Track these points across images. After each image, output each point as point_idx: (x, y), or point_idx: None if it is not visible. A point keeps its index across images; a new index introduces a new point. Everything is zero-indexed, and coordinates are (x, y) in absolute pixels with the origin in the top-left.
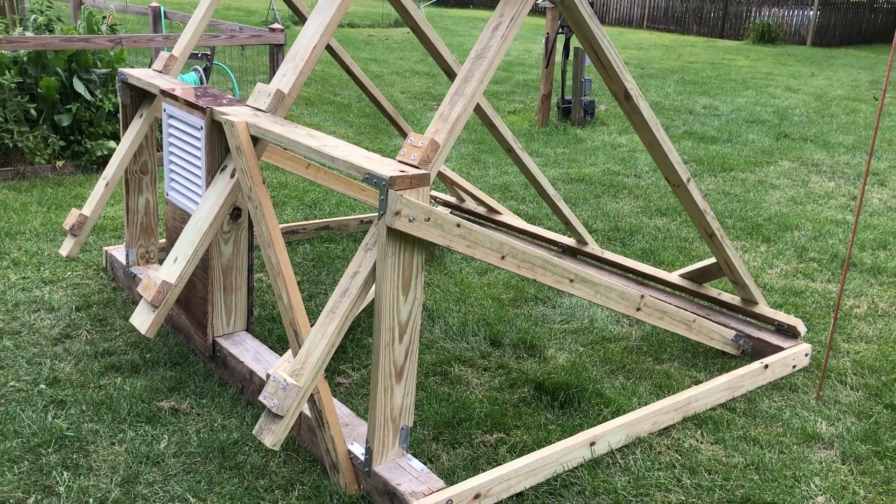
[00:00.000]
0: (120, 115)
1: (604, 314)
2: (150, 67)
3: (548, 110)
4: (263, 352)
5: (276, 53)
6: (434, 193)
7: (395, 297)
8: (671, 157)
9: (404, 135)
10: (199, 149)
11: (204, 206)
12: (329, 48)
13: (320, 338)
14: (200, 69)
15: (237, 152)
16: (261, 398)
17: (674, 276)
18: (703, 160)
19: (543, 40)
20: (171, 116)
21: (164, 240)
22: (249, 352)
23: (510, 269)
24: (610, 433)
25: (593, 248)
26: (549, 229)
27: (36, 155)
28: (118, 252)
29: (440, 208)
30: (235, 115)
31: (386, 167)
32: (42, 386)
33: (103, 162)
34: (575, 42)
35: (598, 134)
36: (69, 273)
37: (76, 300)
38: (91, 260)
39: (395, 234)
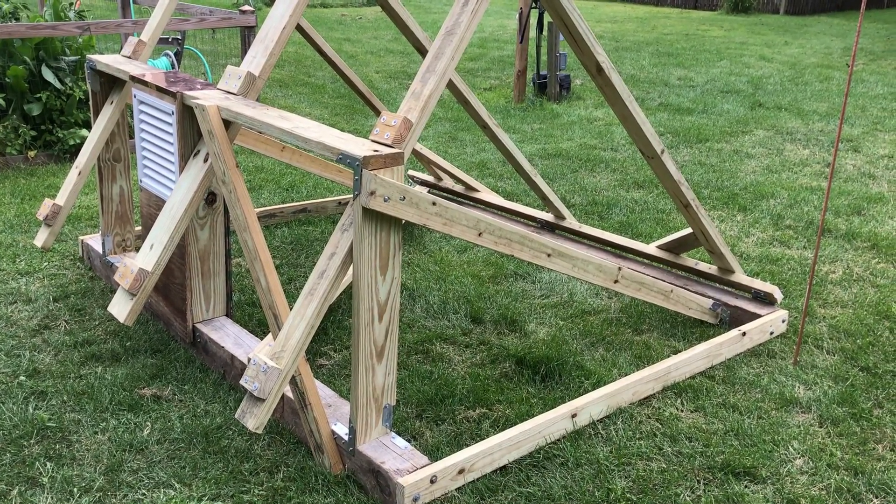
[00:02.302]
0: (90, 103)
1: (583, 288)
2: (119, 53)
3: (523, 86)
4: (244, 336)
5: (248, 35)
6: (412, 172)
7: (373, 277)
8: (644, 129)
9: (379, 115)
10: (171, 134)
11: (178, 191)
12: (300, 29)
13: (299, 320)
14: (172, 54)
15: (209, 137)
16: (242, 382)
17: (651, 248)
18: (678, 131)
19: (517, 15)
20: (141, 102)
21: (139, 227)
22: (230, 337)
23: (487, 246)
24: (591, 404)
25: (571, 222)
26: (526, 205)
27: (6, 146)
28: (94, 241)
29: (417, 187)
30: (206, 100)
31: (359, 147)
32: (22, 378)
33: (76, 151)
34: (549, 17)
35: (575, 108)
36: (45, 264)
37: (53, 291)
38: (67, 250)
39: (370, 214)
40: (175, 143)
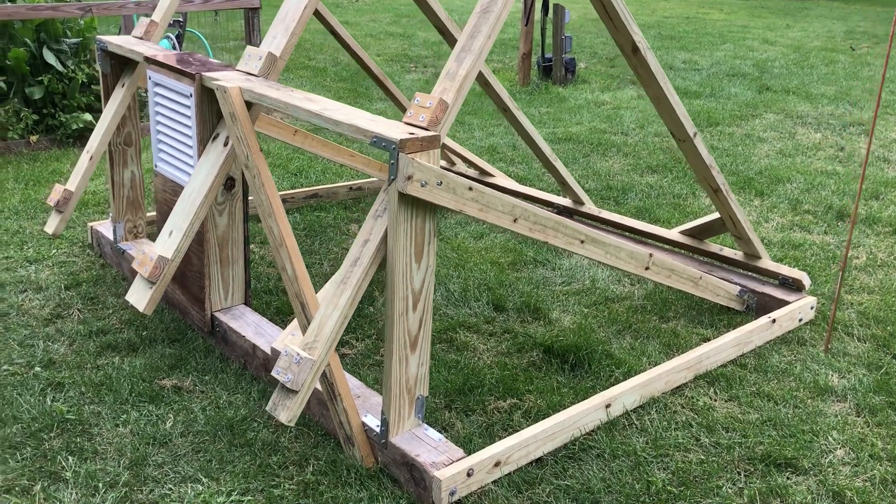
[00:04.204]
0: (101, 85)
1: (604, 274)
2: (122, 34)
3: (528, 69)
4: (264, 325)
5: (252, 17)
6: None
7: (407, 264)
8: (678, 111)
9: (395, 100)
10: (188, 117)
11: (197, 176)
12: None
13: (332, 309)
14: (173, 37)
15: (231, 119)
16: (274, 373)
17: (673, 233)
18: (688, 115)
19: None
20: (157, 84)
21: (151, 213)
22: (250, 325)
23: (522, 232)
24: (624, 394)
25: (590, 207)
26: (541, 190)
27: (8, 130)
28: (104, 227)
29: None
30: (227, 81)
31: (394, 130)
32: (37, 369)
33: (79, 135)
34: None
35: (581, 92)
36: (54, 251)
37: (64, 279)
38: (75, 236)
39: (406, 200)
40: (193, 126)
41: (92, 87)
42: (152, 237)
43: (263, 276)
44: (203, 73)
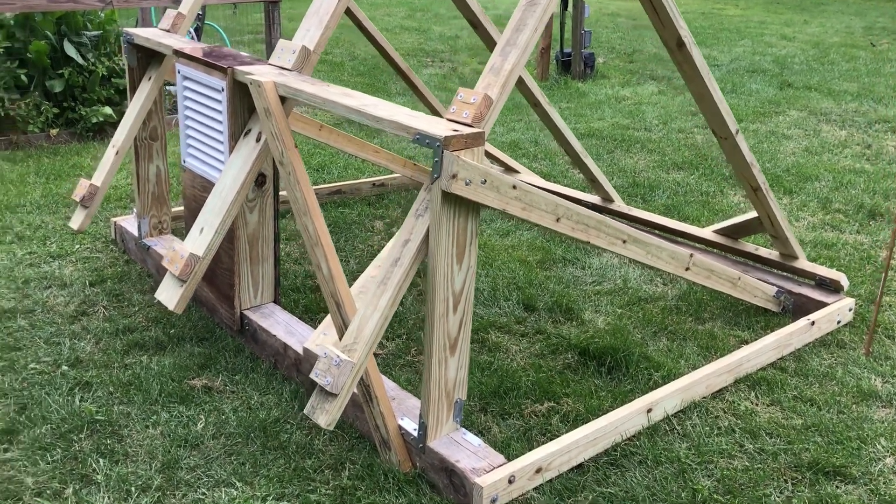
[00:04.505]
0: (126, 79)
1: (636, 273)
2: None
3: (547, 64)
4: (295, 324)
5: (272, 11)
6: None
7: (449, 265)
8: (721, 107)
9: (422, 98)
10: (220, 112)
11: (228, 173)
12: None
13: (372, 310)
14: (192, 30)
15: (265, 114)
16: (312, 376)
17: (707, 232)
18: (731, 112)
19: None
20: (186, 78)
21: (176, 208)
22: (280, 324)
23: (564, 232)
24: (666, 399)
25: (620, 205)
26: (567, 187)
27: (29, 123)
28: (128, 223)
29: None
30: (261, 75)
31: (438, 126)
32: (64, 367)
33: (99, 129)
34: None
35: (601, 87)
36: (77, 246)
37: (88, 275)
38: (98, 232)
39: (449, 199)
40: (224, 121)
41: (112, 80)
42: (177, 233)
43: (291, 273)
44: (235, 67)
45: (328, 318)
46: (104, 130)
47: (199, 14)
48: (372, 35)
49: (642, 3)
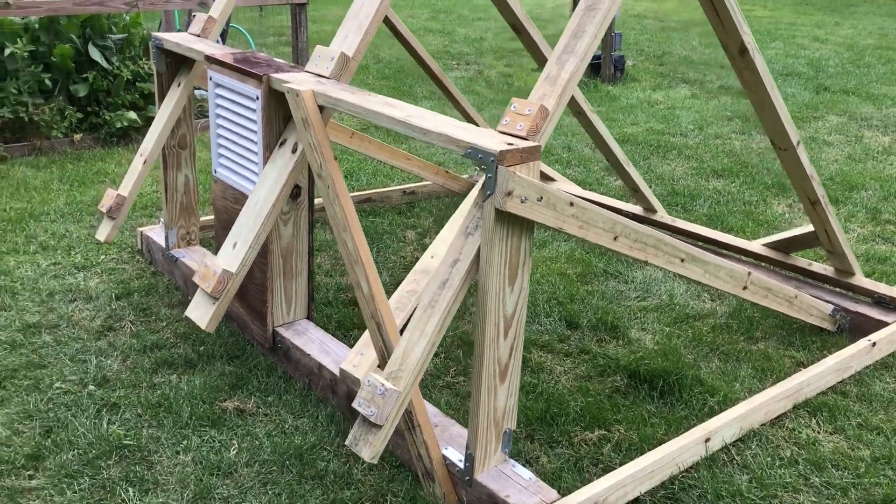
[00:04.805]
0: (155, 85)
1: (682, 289)
2: (161, 30)
3: None
4: (329, 342)
5: (299, 13)
6: None
7: (501, 287)
8: (783, 117)
9: (458, 105)
10: (253, 121)
11: (263, 185)
12: None
13: (419, 335)
14: None
15: (303, 125)
16: (356, 405)
17: (756, 245)
18: (746, 116)
19: None
20: (218, 85)
21: (205, 217)
22: (314, 343)
23: (621, 251)
24: (724, 427)
25: (663, 216)
26: (603, 195)
27: (52, 128)
28: (155, 233)
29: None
30: (299, 84)
31: (491, 140)
32: (91, 387)
33: (123, 134)
34: None
35: (631, 90)
36: (102, 257)
37: (114, 287)
38: (124, 241)
39: (503, 217)
40: (259, 130)
41: (137, 84)
42: (205, 243)
43: (322, 286)
44: (271, 75)
45: (364, 336)
46: (128, 135)
47: None
48: (406, 39)
49: (704, 7)
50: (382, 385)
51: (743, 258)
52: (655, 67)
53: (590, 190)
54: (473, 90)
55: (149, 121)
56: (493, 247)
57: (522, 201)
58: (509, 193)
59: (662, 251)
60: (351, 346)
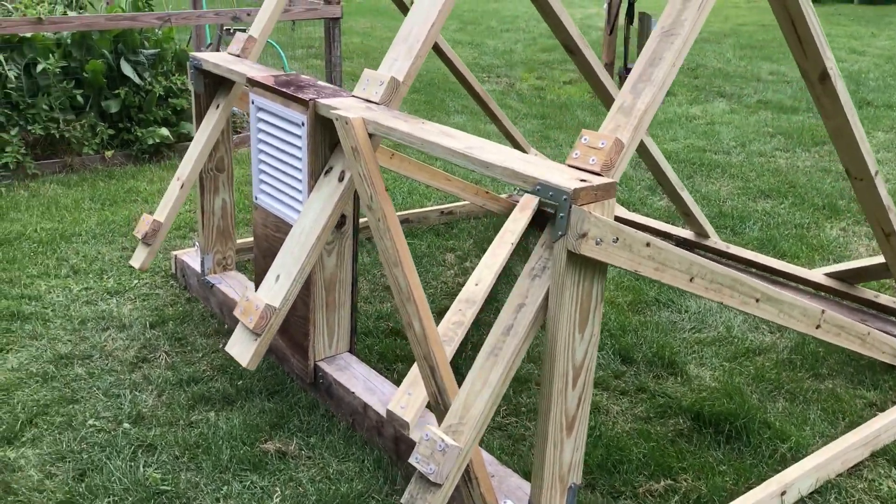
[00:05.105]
0: (193, 106)
1: (738, 320)
2: (192, 44)
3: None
4: (373, 378)
5: (333, 28)
6: None
7: (570, 334)
8: (862, 147)
9: (499, 125)
10: (298, 148)
11: (307, 215)
12: None
13: (481, 386)
14: None
15: (353, 154)
16: (413, 462)
17: (817, 275)
18: (789, 132)
19: (605, 5)
20: (261, 109)
21: (242, 239)
22: (358, 379)
23: (696, 292)
24: (800, 479)
25: (716, 241)
26: (647, 216)
27: (83, 145)
28: (189, 257)
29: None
30: (348, 110)
31: (561, 175)
32: (126, 425)
33: (155, 151)
34: (640, 6)
35: (668, 104)
36: (135, 281)
37: (148, 314)
38: (158, 265)
39: (575, 260)
40: (304, 157)
41: (169, 99)
42: (241, 267)
43: (360, 314)
44: (317, 101)
45: (411, 374)
46: (160, 152)
47: None
48: (445, 53)
49: (782, 28)
50: (442, 441)
51: (803, 288)
52: (690, 80)
53: (633, 210)
54: (506, 104)
55: (181, 137)
56: (564, 291)
57: (598, 243)
58: (584, 235)
59: (738, 291)
60: (396, 381)
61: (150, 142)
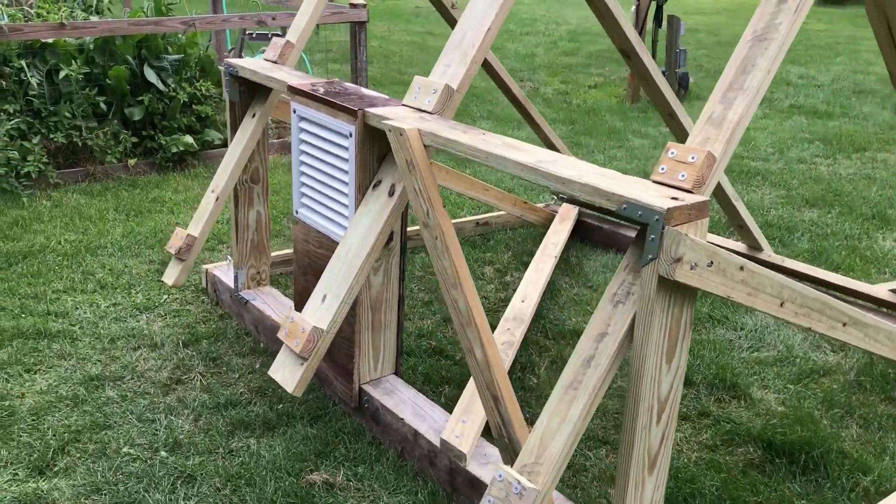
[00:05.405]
0: (227, 115)
1: (798, 338)
2: (212, 48)
3: (638, 85)
4: (422, 403)
5: (359, 32)
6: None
7: (657, 366)
8: None
9: (541, 133)
10: (344, 160)
11: (355, 231)
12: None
13: (559, 422)
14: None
15: (408, 167)
16: None
17: (881, 291)
18: (827, 138)
19: (633, 7)
20: (303, 119)
21: (277, 252)
22: (406, 404)
23: (785, 318)
24: None
25: (770, 255)
26: None
27: (106, 153)
28: (222, 272)
29: (564, 207)
30: (399, 120)
31: (651, 194)
32: (163, 453)
33: (179, 159)
34: (668, 9)
35: (698, 110)
36: (165, 297)
37: (180, 332)
38: (186, 279)
39: (666, 286)
40: (351, 170)
41: (193, 106)
42: (273, 281)
43: None
44: (367, 110)
45: (464, 398)
46: (184, 160)
47: (279, 35)
48: (487, 60)
49: (877, 32)
50: (518, 483)
51: (867, 304)
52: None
53: None
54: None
55: (205, 145)
56: (653, 319)
57: (692, 268)
58: (678, 259)
59: (826, 316)
60: (444, 406)
61: (174, 150)
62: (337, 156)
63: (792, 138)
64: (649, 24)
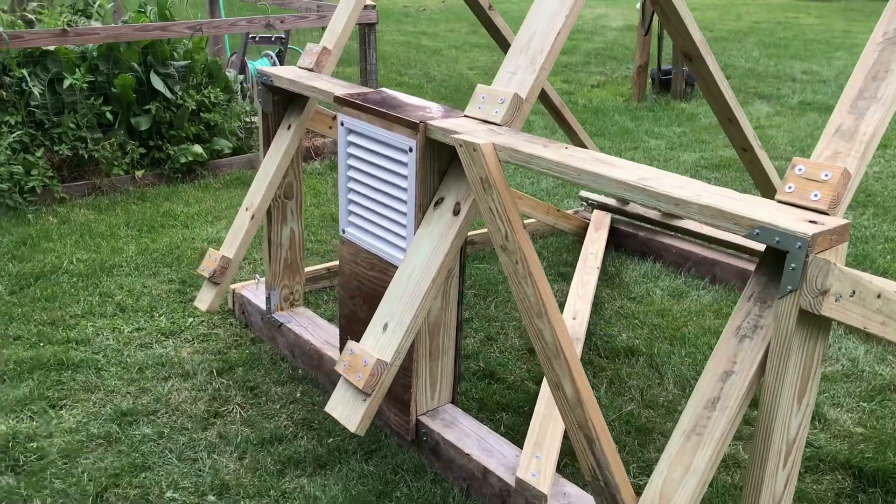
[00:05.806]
0: (260, 126)
1: (860, 350)
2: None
3: (644, 83)
4: (486, 436)
5: (368, 34)
6: (583, 193)
7: (789, 406)
8: None
9: (574, 137)
10: (403, 177)
11: (418, 254)
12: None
13: (683, 472)
14: (273, 54)
15: (483, 185)
16: None
17: None
18: None
19: (639, 5)
20: (352, 132)
21: (310, 266)
22: (470, 437)
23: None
24: None
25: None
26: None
27: (113, 165)
28: (251, 292)
29: (597, 213)
30: (469, 133)
31: (787, 217)
32: (211, 497)
33: (187, 170)
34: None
35: (707, 107)
36: (190, 319)
37: (212, 359)
38: None
39: (804, 320)
40: (411, 188)
41: (201, 114)
42: (308, 300)
43: None
44: (429, 123)
45: (533, 431)
46: (193, 171)
47: (282, 38)
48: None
49: None
50: None
51: None
52: None
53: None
54: (538, 110)
55: (214, 154)
56: (790, 356)
57: (837, 300)
58: (825, 292)
59: None
60: (504, 434)
61: (183, 160)
62: (393, 171)
63: (809, 136)
64: (655, 23)
